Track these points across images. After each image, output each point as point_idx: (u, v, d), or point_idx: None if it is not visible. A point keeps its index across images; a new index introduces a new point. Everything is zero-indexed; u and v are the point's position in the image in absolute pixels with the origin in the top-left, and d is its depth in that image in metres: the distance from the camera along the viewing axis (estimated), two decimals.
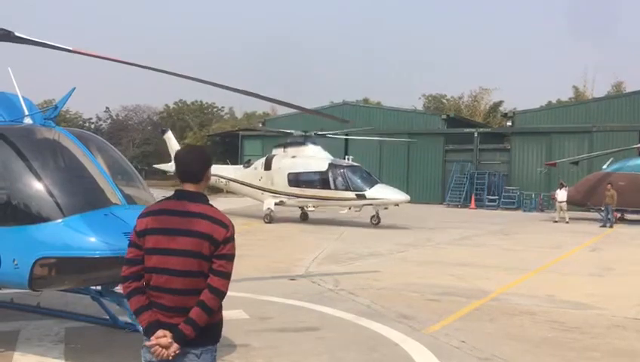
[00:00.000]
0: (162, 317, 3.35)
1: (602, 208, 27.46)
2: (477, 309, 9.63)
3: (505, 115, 49.38)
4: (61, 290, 7.57)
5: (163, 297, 3.35)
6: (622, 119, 38.19)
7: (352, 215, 25.82)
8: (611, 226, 26.38)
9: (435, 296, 10.60)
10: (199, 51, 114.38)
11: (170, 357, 3.30)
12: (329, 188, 23.89)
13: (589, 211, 30.18)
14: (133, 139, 72.40)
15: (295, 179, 24.53)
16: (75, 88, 7.38)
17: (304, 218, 26.17)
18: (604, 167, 29.93)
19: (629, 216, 29.67)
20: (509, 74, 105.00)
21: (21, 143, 6.84)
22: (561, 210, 28.89)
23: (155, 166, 34.78)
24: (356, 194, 23.41)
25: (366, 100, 65.35)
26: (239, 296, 9.16)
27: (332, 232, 21.50)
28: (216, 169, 26.30)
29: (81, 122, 71.25)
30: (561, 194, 28.92)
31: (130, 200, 6.75)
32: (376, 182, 24.21)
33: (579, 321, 8.95)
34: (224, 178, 27.39)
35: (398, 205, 24.50)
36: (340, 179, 23.80)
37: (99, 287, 7.21)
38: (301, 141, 25.60)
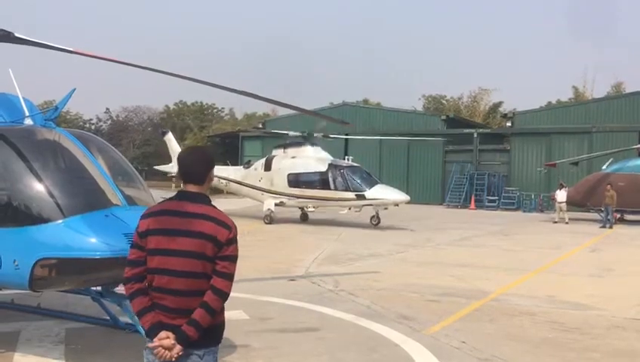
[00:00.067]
0: (165, 318, 3.35)
1: (602, 209, 27.47)
2: (477, 310, 9.63)
3: (504, 116, 49.38)
4: (61, 291, 7.58)
5: (166, 298, 3.35)
6: (621, 120, 38.19)
7: (352, 215, 25.83)
8: (611, 227, 26.38)
9: (435, 296, 10.61)
10: (199, 51, 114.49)
11: (173, 359, 3.29)
12: (329, 188, 23.89)
13: (589, 212, 30.17)
14: (133, 140, 72.40)
15: (295, 180, 24.54)
16: (75, 89, 7.38)
17: (304, 218, 26.17)
18: (604, 167, 29.93)
19: (628, 217, 29.66)
20: (509, 74, 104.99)
21: (22, 144, 6.84)
22: (561, 210, 28.90)
23: (156, 167, 34.80)
24: (356, 195, 23.41)
25: (366, 101, 65.36)
26: (239, 296, 9.15)
27: (332, 233, 21.51)
28: (216, 170, 26.01)
29: (81, 123, 71.25)
30: (561, 195, 28.93)
31: (130, 201, 6.76)
32: (376, 183, 24.21)
33: (579, 322, 8.95)
34: (224, 179, 27.39)
35: (397, 205, 24.51)
36: (339, 179, 23.81)
37: (99, 288, 7.21)
38: (301, 142, 25.62)
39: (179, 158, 3.59)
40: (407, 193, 25.41)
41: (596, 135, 37.82)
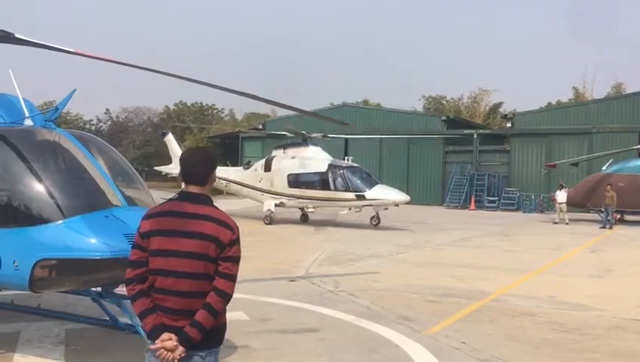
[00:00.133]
0: (167, 320, 3.33)
1: (602, 209, 27.48)
2: (477, 310, 9.63)
3: (505, 117, 49.38)
4: (61, 292, 7.57)
5: (168, 300, 3.33)
6: (621, 120, 38.20)
7: (352, 216, 25.82)
8: (611, 227, 26.38)
9: (435, 297, 10.61)
10: (199, 51, 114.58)
11: (176, 361, 3.28)
12: (329, 189, 23.90)
13: (589, 212, 30.20)
14: (133, 140, 72.41)
15: (295, 180, 24.55)
16: (75, 90, 7.38)
17: (304, 219, 26.17)
18: (604, 168, 29.94)
19: (628, 218, 29.67)
20: (509, 75, 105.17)
21: (22, 145, 6.84)
22: (561, 211, 28.90)
23: (156, 168, 34.81)
24: (356, 195, 23.42)
25: (366, 102, 65.39)
26: (239, 297, 9.13)
27: (332, 233, 21.50)
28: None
29: (81, 124, 71.22)
30: (561, 196, 28.93)
31: (130, 201, 6.75)
32: (376, 183, 24.23)
33: (579, 322, 8.95)
34: (224, 180, 27.40)
35: (397, 205, 24.52)
36: (339, 179, 23.82)
37: (99, 289, 7.21)
38: (301, 142, 25.62)
39: (181, 159, 3.58)
40: (407, 193, 25.43)
41: (596, 136, 37.83)
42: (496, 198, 39.25)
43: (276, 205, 24.85)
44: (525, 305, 10.10)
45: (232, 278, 3.39)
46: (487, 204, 38.77)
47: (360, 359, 7.03)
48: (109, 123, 77.50)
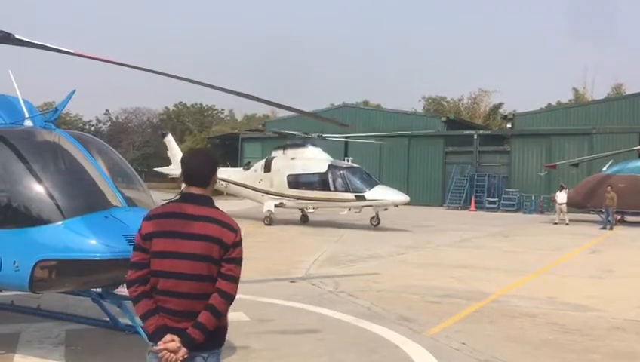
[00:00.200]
0: (169, 321, 3.32)
1: (602, 210, 27.47)
2: (477, 311, 9.63)
3: (505, 117, 49.43)
4: (61, 293, 7.58)
5: (170, 301, 3.32)
6: (622, 121, 38.20)
7: (352, 216, 25.82)
8: (611, 228, 26.38)
9: (435, 298, 10.60)
10: (199, 51, 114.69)
11: None
12: (329, 189, 23.89)
13: (589, 213, 30.19)
14: (133, 141, 72.50)
15: (295, 181, 24.54)
16: (75, 91, 7.38)
17: (304, 220, 26.16)
18: (604, 169, 29.94)
19: (628, 218, 29.66)
20: (509, 75, 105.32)
21: (21, 146, 6.84)
22: (561, 212, 28.90)
23: (156, 169, 34.81)
24: (356, 196, 23.41)
25: (366, 102, 65.40)
26: (239, 297, 9.03)
27: (332, 234, 21.50)
28: None
29: (81, 125, 71.34)
30: (561, 196, 28.93)
31: (130, 202, 6.75)
32: (376, 184, 24.22)
33: (579, 323, 8.95)
34: (224, 180, 27.37)
35: (397, 206, 24.51)
36: (339, 180, 23.81)
37: (99, 289, 7.21)
38: (300, 143, 25.62)
39: (182, 160, 3.56)
40: (407, 194, 25.43)
41: (596, 136, 37.83)
42: (497, 199, 39.24)
43: (276, 206, 24.83)
44: (525, 305, 10.10)
45: (236, 280, 3.39)
46: (487, 205, 38.78)
47: (360, 359, 7.03)
48: (109, 124, 77.63)
